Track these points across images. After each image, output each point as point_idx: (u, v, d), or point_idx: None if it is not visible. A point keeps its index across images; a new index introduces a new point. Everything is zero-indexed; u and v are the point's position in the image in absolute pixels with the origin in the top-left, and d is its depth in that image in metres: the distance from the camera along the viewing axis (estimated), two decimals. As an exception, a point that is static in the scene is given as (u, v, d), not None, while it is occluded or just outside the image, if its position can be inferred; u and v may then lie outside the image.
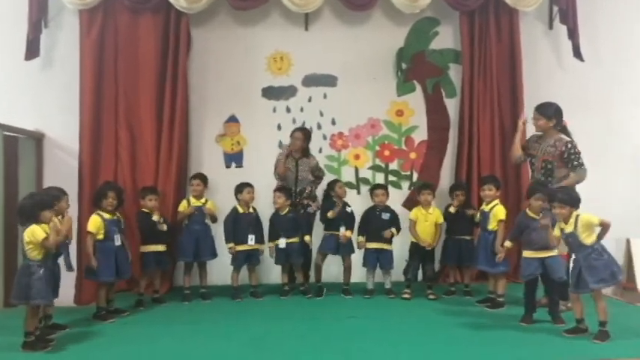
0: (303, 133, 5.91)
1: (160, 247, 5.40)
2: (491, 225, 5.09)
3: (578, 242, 4.10)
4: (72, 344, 4.19)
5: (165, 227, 5.40)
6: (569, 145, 4.85)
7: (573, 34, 6.20)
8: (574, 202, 4.18)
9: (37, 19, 5.90)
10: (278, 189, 5.69)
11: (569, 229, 4.14)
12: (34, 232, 3.99)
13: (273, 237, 5.62)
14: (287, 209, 5.62)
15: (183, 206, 5.59)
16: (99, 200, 4.98)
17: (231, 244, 5.53)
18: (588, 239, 4.08)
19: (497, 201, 5.19)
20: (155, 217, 5.36)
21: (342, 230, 5.58)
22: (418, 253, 5.51)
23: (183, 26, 5.98)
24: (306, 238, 5.64)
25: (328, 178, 6.12)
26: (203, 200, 5.64)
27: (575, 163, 4.82)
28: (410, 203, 6.08)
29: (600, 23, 6.38)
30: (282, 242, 5.55)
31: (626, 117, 6.40)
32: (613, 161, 6.26)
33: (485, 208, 5.21)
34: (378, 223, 5.56)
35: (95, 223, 4.86)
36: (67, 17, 6.10)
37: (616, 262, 4.15)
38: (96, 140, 5.93)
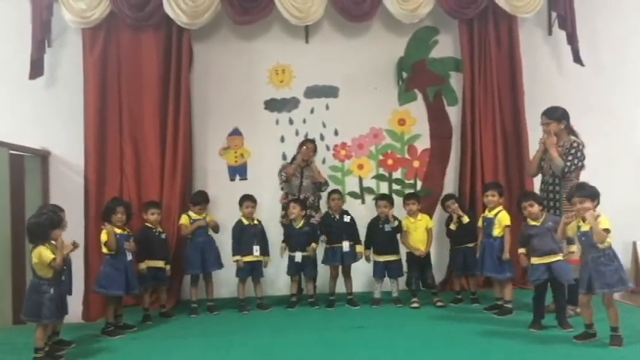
0: (315, 145, 6.01)
1: (159, 264, 5.40)
2: (497, 231, 5.09)
3: (591, 243, 4.05)
4: (80, 360, 4.21)
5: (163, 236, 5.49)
6: (575, 144, 4.91)
7: (572, 39, 6.23)
8: (595, 195, 4.14)
9: (40, 38, 5.98)
10: (294, 200, 5.70)
11: (585, 227, 4.09)
12: (41, 255, 4.03)
13: (290, 248, 5.63)
14: (302, 222, 5.62)
15: (185, 219, 5.61)
16: (108, 216, 5.00)
17: (238, 257, 5.55)
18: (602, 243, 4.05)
19: (500, 207, 5.19)
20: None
21: (346, 244, 5.56)
22: (415, 262, 5.52)
23: (185, 42, 6.05)
24: (313, 245, 5.57)
25: (332, 188, 6.13)
26: (204, 214, 5.66)
27: (569, 163, 4.85)
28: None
29: (599, 27, 6.41)
30: (298, 256, 5.54)
31: (629, 120, 6.41)
32: (617, 165, 6.26)
33: (489, 214, 5.20)
34: (382, 236, 5.56)
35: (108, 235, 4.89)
36: (70, 36, 6.18)
37: (624, 270, 4.08)
38: (101, 156, 5.98)
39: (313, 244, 5.57)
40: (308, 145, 5.95)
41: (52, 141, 6.14)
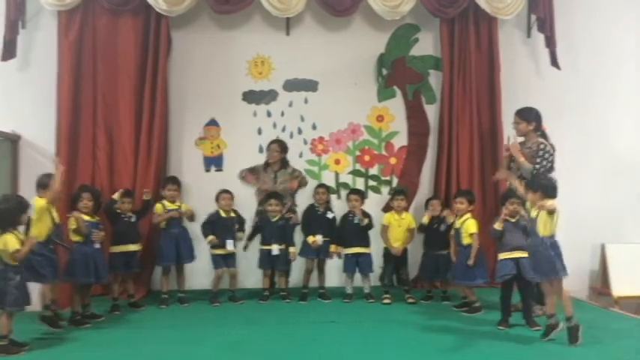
0: (279, 145, 6.00)
1: (131, 247, 5.34)
2: (465, 240, 5.09)
3: (534, 230, 4.22)
4: (46, 349, 4.13)
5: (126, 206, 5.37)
6: (542, 146, 4.95)
7: (550, 43, 6.30)
8: (543, 188, 4.23)
9: (14, 19, 5.82)
10: (273, 196, 5.68)
11: (533, 214, 4.26)
12: (6, 243, 3.94)
13: (265, 241, 5.63)
14: (278, 216, 5.62)
15: (159, 209, 5.54)
16: (74, 203, 4.93)
17: (211, 237, 5.49)
18: (543, 231, 4.16)
19: (468, 215, 5.16)
20: (116, 196, 5.32)
21: (319, 237, 5.59)
22: (391, 258, 5.56)
23: (164, 29, 5.96)
24: (292, 249, 5.63)
25: (312, 183, 6.13)
26: (178, 204, 5.59)
27: (537, 165, 4.87)
28: (390, 208, 6.09)
29: (577, 32, 6.50)
30: (275, 249, 5.55)
31: (602, 124, 6.51)
32: (588, 167, 6.38)
33: (457, 224, 5.18)
34: (352, 228, 5.60)
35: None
36: (45, 18, 6.01)
37: (561, 260, 4.16)
38: (73, 142, 5.85)
39: (292, 249, 5.61)
40: (271, 146, 5.98)
41: (22, 125, 5.95)
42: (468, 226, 5.10)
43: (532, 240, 4.27)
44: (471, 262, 4.99)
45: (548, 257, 4.13)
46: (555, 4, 6.29)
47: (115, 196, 5.33)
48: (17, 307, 4.00)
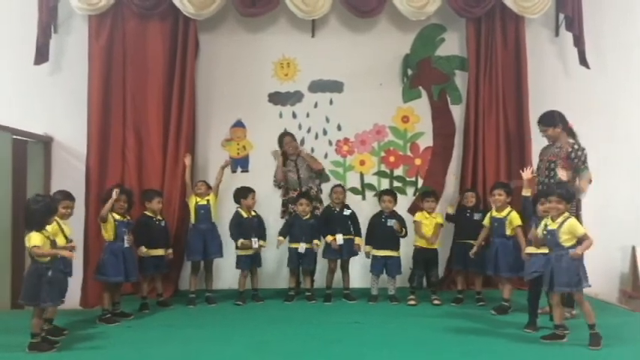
0: (292, 136, 6.19)
1: (159, 252, 5.42)
2: (509, 231, 5.08)
3: (556, 241, 4.12)
4: (76, 346, 4.22)
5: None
6: (576, 147, 4.92)
7: (579, 42, 6.21)
8: (571, 198, 4.21)
9: (46, 24, 5.98)
10: (303, 195, 5.76)
11: (553, 226, 4.16)
12: (30, 239, 4.02)
13: (293, 239, 5.67)
14: (309, 215, 5.66)
15: (192, 201, 5.63)
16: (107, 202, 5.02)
17: (241, 240, 5.54)
18: (567, 242, 4.09)
19: (509, 207, 5.15)
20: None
21: (339, 237, 5.59)
22: (421, 260, 5.54)
23: (191, 32, 6.05)
24: (315, 241, 5.66)
25: (334, 182, 6.15)
26: (207, 198, 5.66)
27: (582, 166, 4.88)
28: (415, 209, 6.06)
29: (606, 33, 6.39)
30: (302, 247, 5.58)
31: (631, 124, 6.39)
32: (618, 169, 6.25)
33: (500, 214, 5.16)
34: (384, 230, 5.58)
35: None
36: (76, 22, 6.17)
37: (584, 270, 4.11)
38: (103, 144, 5.98)
39: (316, 241, 5.62)
40: (285, 139, 6.15)
41: (55, 127, 6.14)
42: (513, 219, 5.06)
43: (555, 251, 4.15)
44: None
45: (575, 268, 4.05)
46: (584, 3, 6.20)
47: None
48: (51, 302, 4.07)
